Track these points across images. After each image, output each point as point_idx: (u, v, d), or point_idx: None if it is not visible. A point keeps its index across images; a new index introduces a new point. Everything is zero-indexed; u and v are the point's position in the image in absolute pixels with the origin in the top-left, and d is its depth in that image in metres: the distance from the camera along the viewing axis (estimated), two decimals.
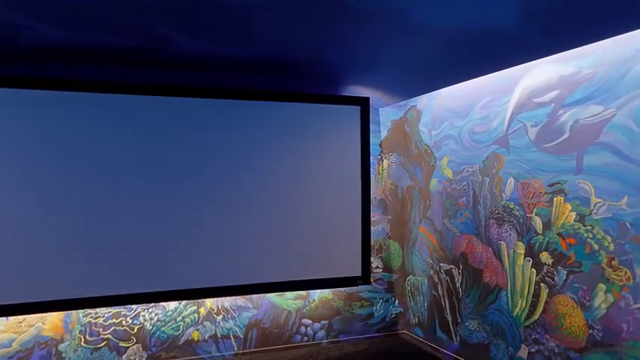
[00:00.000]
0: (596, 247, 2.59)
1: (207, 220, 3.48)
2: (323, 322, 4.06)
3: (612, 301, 2.51)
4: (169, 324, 3.62)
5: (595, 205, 2.59)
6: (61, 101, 3.17)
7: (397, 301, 4.32)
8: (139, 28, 2.49)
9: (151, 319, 3.58)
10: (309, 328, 4.02)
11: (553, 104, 2.84)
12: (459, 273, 3.65)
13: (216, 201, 3.50)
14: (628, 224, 2.43)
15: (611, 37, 2.47)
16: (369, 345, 4.02)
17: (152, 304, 3.57)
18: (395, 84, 3.70)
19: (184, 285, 3.44)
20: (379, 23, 2.37)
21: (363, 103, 3.85)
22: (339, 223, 3.83)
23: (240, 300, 3.80)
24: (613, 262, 2.51)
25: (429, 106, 4.01)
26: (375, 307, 4.23)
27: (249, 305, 3.84)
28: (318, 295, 4.04)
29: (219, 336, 3.75)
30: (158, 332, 3.59)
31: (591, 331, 2.63)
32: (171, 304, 3.63)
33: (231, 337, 3.78)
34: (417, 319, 4.19)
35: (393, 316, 4.31)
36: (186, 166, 3.44)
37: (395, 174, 4.36)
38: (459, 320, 3.66)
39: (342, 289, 4.07)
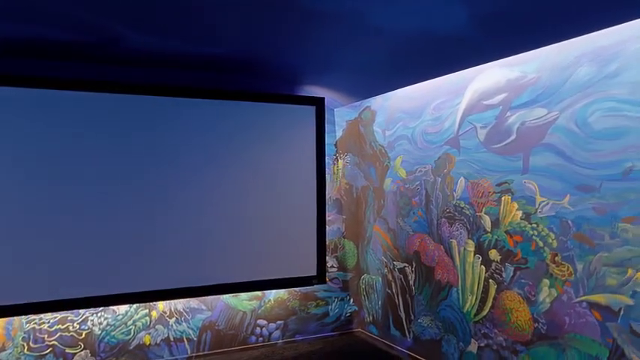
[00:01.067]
0: (540, 244, 2.71)
1: (158, 220, 3.40)
2: (278, 322, 4.05)
3: (555, 295, 2.63)
4: (119, 328, 3.51)
5: (540, 204, 2.71)
6: (2, 99, 3.01)
7: (352, 300, 4.37)
8: (88, 22, 2.40)
9: (100, 323, 3.46)
10: (264, 328, 3.99)
11: (501, 107, 2.94)
12: (412, 271, 3.73)
13: (168, 201, 3.42)
14: (570, 222, 2.55)
15: (553, 43, 2.58)
16: (324, 344, 4.04)
17: (101, 308, 3.45)
18: (350, 85, 3.73)
19: (135, 288, 3.34)
20: (333, 24, 2.38)
21: (319, 103, 3.86)
22: (295, 223, 3.83)
23: (193, 302, 3.73)
24: (556, 258, 2.62)
25: (383, 106, 4.07)
26: (330, 307, 4.26)
27: (203, 307, 3.77)
28: (273, 295, 4.02)
29: (171, 339, 3.67)
30: (107, 337, 3.47)
31: (536, 324, 2.74)
32: (122, 308, 3.52)
33: (185, 340, 3.71)
34: (371, 317, 4.24)
35: (348, 314, 4.35)
36: (135, 165, 3.34)
37: (350, 174, 4.40)
38: (412, 317, 3.74)
39: (297, 288, 4.07)
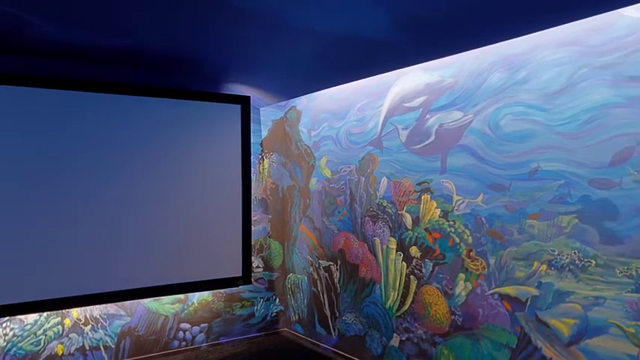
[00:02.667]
0: (457, 240, 2.85)
1: (75, 221, 3.18)
2: (202, 325, 3.95)
3: (470, 288, 2.78)
4: (28, 339, 3.27)
5: (456, 202, 2.85)
6: None
7: (278, 300, 4.36)
8: None
9: (6, 334, 3.20)
10: (187, 332, 3.88)
11: (421, 109, 3.07)
12: (337, 269, 3.79)
13: (84, 201, 3.21)
14: (483, 219, 2.71)
15: (470, 49, 2.73)
16: (249, 345, 4.00)
17: (6, 318, 3.19)
18: (275, 84, 3.72)
19: (46, 295, 3.11)
20: (256, 23, 2.36)
21: (244, 102, 3.82)
22: (220, 223, 3.76)
23: (111, 308, 3.55)
24: (471, 254, 2.77)
25: (308, 107, 4.10)
26: (255, 307, 4.22)
27: (122, 313, 3.60)
28: (197, 297, 3.92)
29: (87, 348, 3.47)
30: (14, 349, 3.22)
31: (453, 316, 2.89)
32: (30, 317, 3.27)
33: (101, 347, 3.52)
34: (297, 316, 4.26)
35: (274, 314, 4.34)
36: (49, 164, 3.11)
37: (275, 173, 4.39)
38: (337, 315, 3.80)
39: (222, 290, 4.00)
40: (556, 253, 2.38)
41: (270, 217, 4.34)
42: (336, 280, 3.80)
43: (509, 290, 2.59)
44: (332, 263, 3.84)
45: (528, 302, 2.50)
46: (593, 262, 2.24)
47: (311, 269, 4.07)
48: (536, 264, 2.46)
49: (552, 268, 2.39)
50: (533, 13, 2.15)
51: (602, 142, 2.20)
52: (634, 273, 2.11)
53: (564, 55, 2.34)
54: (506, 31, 2.43)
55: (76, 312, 3.43)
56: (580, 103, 2.28)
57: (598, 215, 2.22)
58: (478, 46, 2.67)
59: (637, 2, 2.05)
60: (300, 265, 4.22)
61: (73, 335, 3.42)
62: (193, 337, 3.91)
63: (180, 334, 3.85)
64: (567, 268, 2.34)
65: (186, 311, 3.88)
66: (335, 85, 3.70)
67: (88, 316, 3.47)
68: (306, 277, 4.14)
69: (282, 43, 2.69)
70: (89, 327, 3.48)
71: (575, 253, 2.30)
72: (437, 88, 2.96)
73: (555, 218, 2.38)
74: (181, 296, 3.84)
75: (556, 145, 2.36)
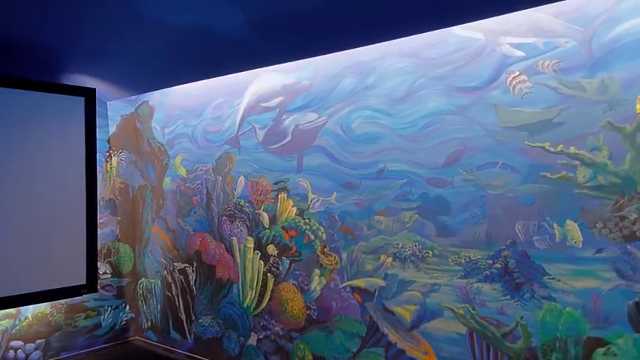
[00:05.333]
0: (312, 237, 2.96)
1: None
2: (38, 341, 3.54)
3: (325, 283, 2.91)
4: None
5: (311, 201, 2.96)
6: None
7: (128, 307, 4.09)
8: None
9: None
10: (19, 350, 3.45)
11: (278, 109, 3.12)
12: (194, 271, 3.68)
13: None
14: (336, 216, 2.85)
15: (324, 54, 2.84)
16: (95, 358, 3.70)
17: None
18: (125, 77, 3.48)
19: None
20: (106, 11, 2.19)
21: (88, 95, 3.50)
22: (61, 227, 3.40)
23: None
24: (325, 250, 2.90)
25: (162, 102, 3.91)
26: (102, 317, 3.91)
27: None
28: (32, 311, 3.50)
29: None
30: None
31: (309, 311, 2.99)
32: None
33: None
34: (149, 323, 4.05)
35: (124, 323, 4.06)
36: None
37: (125, 172, 4.11)
38: (193, 318, 3.69)
39: (63, 300, 3.63)
40: (400, 246, 2.60)
41: (119, 218, 4.05)
42: (192, 283, 3.69)
43: (359, 283, 2.76)
44: (187, 265, 3.72)
45: (376, 293, 2.69)
46: (431, 252, 2.49)
47: (165, 272, 3.90)
48: (382, 257, 2.66)
49: (397, 260, 2.61)
50: (377, 24, 2.32)
51: (437, 145, 2.46)
52: (463, 261, 2.39)
53: (406, 65, 2.56)
54: (355, 39, 2.58)
55: None
56: (419, 109, 2.52)
57: (434, 211, 2.48)
58: (331, 52, 2.80)
59: (464, 23, 2.33)
60: (152, 268, 4.01)
61: None
62: (27, 356, 3.48)
63: (11, 353, 3.41)
64: (409, 260, 2.57)
65: (17, 327, 3.44)
66: (190, 82, 3.59)
67: None
68: (159, 281, 3.96)
69: (132, 35, 2.53)
70: None
71: (415, 245, 2.54)
72: (293, 89, 3.04)
73: (399, 214, 2.60)
74: (12, 310, 3.40)
75: (399, 147, 2.58)
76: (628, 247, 1.99)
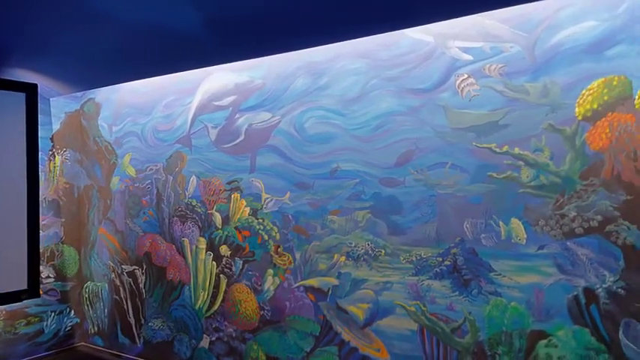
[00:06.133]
0: (266, 237, 2.95)
1: None
2: None
3: (278, 283, 2.90)
4: None
5: (265, 201, 2.94)
6: None
7: (73, 312, 3.93)
8: None
9: None
10: None
11: (231, 108, 3.08)
12: (143, 273, 3.58)
13: None
14: (290, 216, 2.85)
15: (277, 53, 2.83)
16: None
17: None
18: (69, 72, 3.34)
19: None
20: (46, 2, 2.10)
21: (30, 90, 3.34)
22: (0, 229, 3.23)
23: None
24: (279, 250, 2.89)
25: (109, 99, 3.78)
26: (45, 323, 3.74)
27: None
28: None
29: None
30: None
31: (262, 312, 2.97)
32: None
33: None
34: (96, 328, 3.91)
35: (69, 328, 3.90)
36: None
37: (70, 172, 3.95)
38: (143, 321, 3.59)
39: (1, 307, 3.44)
40: (353, 245, 2.62)
41: (63, 220, 3.89)
42: (141, 285, 3.59)
43: (313, 282, 2.77)
44: (137, 267, 3.62)
45: (330, 292, 2.71)
46: (383, 251, 2.54)
47: (112, 275, 3.77)
48: (336, 256, 2.68)
49: (350, 259, 2.64)
50: (329, 24, 2.34)
51: (389, 145, 2.50)
52: (414, 259, 2.45)
53: (360, 66, 2.59)
54: (308, 39, 2.59)
55: None
56: (371, 110, 2.55)
57: (386, 210, 2.52)
58: (284, 51, 2.79)
59: (415, 25, 2.38)
60: (99, 271, 3.87)
61: None
62: None
63: None
64: (362, 258, 2.60)
65: None
66: (140, 79, 3.49)
67: None
68: (106, 285, 3.82)
69: (77, 28, 2.43)
70: None
71: (368, 244, 2.58)
72: (246, 88, 3.01)
73: (352, 213, 2.62)
74: None
75: (352, 147, 2.61)
76: (568, 243, 2.09)
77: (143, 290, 3.59)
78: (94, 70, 3.29)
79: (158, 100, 3.46)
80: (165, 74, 3.32)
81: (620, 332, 2.00)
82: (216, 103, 3.15)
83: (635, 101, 1.98)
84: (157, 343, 3.51)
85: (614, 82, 2.01)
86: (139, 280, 3.61)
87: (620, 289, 2.00)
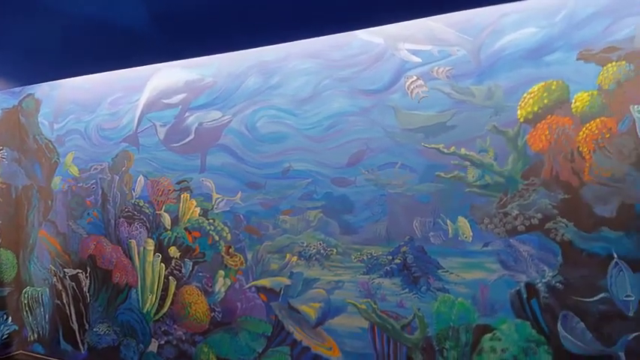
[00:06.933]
0: (217, 237, 2.90)
1: None
2: None
3: (229, 284, 2.87)
4: None
5: (216, 201, 2.90)
6: None
7: (10, 319, 3.73)
8: None
9: None
10: None
11: (180, 106, 3.02)
12: (87, 277, 3.45)
13: None
14: (242, 216, 2.82)
15: (227, 52, 2.80)
16: None
17: None
18: (6, 66, 3.17)
19: None
20: None
21: None
22: None
23: None
24: (230, 250, 2.86)
25: (50, 96, 3.62)
26: None
27: None
28: None
29: None
30: None
31: (213, 313, 2.93)
32: None
33: None
34: (36, 335, 3.72)
35: (6, 336, 3.70)
36: None
37: (7, 171, 3.75)
38: (87, 327, 3.46)
39: None
40: (305, 244, 2.63)
41: None
42: (85, 290, 3.46)
43: (265, 282, 2.75)
44: (80, 271, 3.48)
45: (282, 292, 2.71)
46: (335, 250, 2.56)
47: (54, 279, 3.61)
48: (288, 256, 2.68)
49: (302, 259, 2.64)
50: (280, 23, 2.33)
51: (340, 145, 2.53)
52: (365, 258, 2.48)
53: (311, 66, 2.60)
54: (258, 38, 2.57)
55: None
56: (323, 110, 2.57)
57: (338, 209, 2.54)
58: (233, 50, 2.76)
59: (366, 27, 2.42)
60: (39, 276, 3.70)
61: None
62: None
63: None
64: (314, 258, 2.61)
65: None
66: (84, 74, 3.35)
67: None
68: (47, 289, 3.65)
69: (14, 20, 2.31)
70: None
71: (320, 243, 2.59)
72: (197, 86, 2.96)
73: (304, 213, 2.63)
74: None
75: (304, 147, 2.62)
76: (510, 240, 2.19)
77: (87, 294, 3.46)
78: (33, 65, 3.14)
79: (103, 96, 3.34)
80: (112, 70, 3.21)
81: (559, 324, 2.11)
82: (165, 101, 3.07)
83: (572, 105, 2.09)
84: (103, 348, 3.39)
85: (553, 87, 2.11)
86: (83, 284, 3.47)
87: (558, 284, 2.11)
